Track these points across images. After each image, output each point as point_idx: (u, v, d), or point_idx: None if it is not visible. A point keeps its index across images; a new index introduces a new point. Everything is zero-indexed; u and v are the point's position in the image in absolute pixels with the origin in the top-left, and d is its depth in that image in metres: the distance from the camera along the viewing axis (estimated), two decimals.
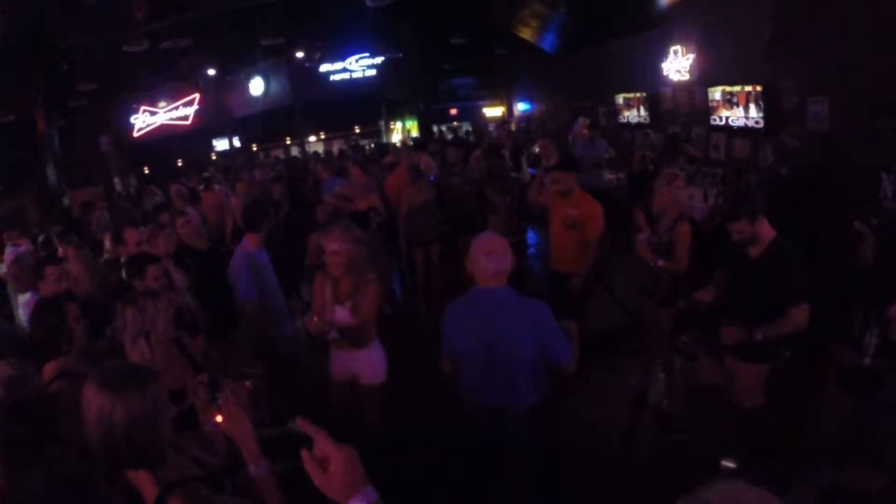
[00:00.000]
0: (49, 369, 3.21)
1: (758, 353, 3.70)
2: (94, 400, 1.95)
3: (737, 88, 8.37)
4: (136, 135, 17.13)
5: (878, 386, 2.64)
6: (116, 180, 16.09)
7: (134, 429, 1.92)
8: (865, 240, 4.72)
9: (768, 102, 7.85)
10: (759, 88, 7.95)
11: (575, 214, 5.37)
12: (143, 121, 17.22)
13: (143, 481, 1.96)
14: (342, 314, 4.00)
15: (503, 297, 3.12)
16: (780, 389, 4.01)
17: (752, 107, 8.10)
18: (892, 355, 2.65)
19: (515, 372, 3.09)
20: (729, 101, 8.56)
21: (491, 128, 20.42)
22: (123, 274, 4.95)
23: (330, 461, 1.35)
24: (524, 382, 3.13)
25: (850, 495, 2.35)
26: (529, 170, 12.00)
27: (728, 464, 4.02)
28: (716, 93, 8.88)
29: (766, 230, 3.66)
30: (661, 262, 4.65)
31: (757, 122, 8.08)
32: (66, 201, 12.45)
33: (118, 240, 5.53)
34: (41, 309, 3.38)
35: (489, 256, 3.06)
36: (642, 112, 11.82)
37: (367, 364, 4.16)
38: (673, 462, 4.31)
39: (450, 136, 19.31)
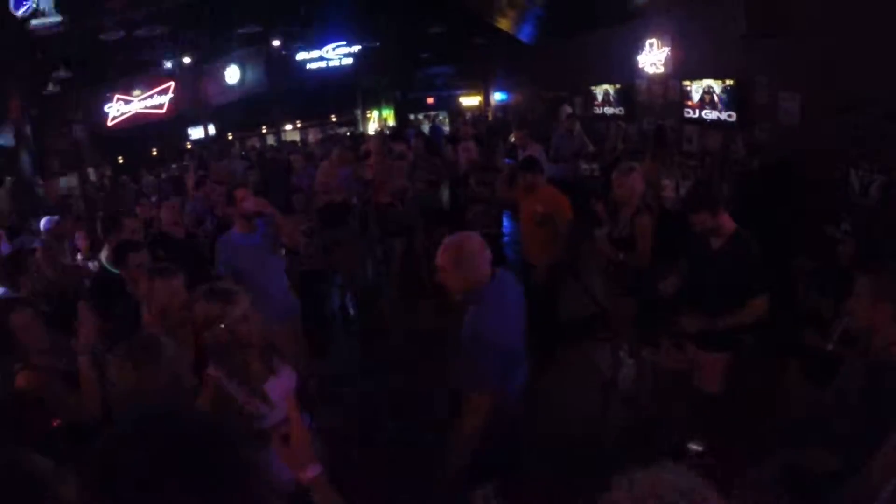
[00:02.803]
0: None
1: (718, 342, 3.86)
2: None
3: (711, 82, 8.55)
4: (110, 124, 16.90)
5: (836, 372, 2.82)
6: (90, 170, 15.90)
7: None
8: (842, 241, 4.92)
9: (740, 96, 8.03)
10: (731, 83, 8.14)
11: (541, 210, 5.49)
12: (118, 109, 16.98)
13: None
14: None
15: (511, 278, 3.18)
16: (745, 375, 4.20)
17: (724, 100, 8.29)
18: (852, 343, 2.82)
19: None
20: (707, 95, 8.73)
21: (468, 116, 20.52)
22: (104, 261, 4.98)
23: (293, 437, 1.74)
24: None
25: (806, 475, 2.52)
26: (506, 160, 12.06)
27: (694, 447, 4.19)
28: (693, 89, 9.04)
29: (726, 222, 3.82)
30: (621, 256, 4.80)
31: (729, 116, 8.26)
32: (39, 191, 12.31)
33: (109, 229, 5.51)
34: None
35: (483, 251, 2.98)
36: (617, 104, 11.96)
37: None
38: (641, 444, 4.46)
39: (425, 125, 19.46)
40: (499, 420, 2.90)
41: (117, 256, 4.54)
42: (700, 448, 4.20)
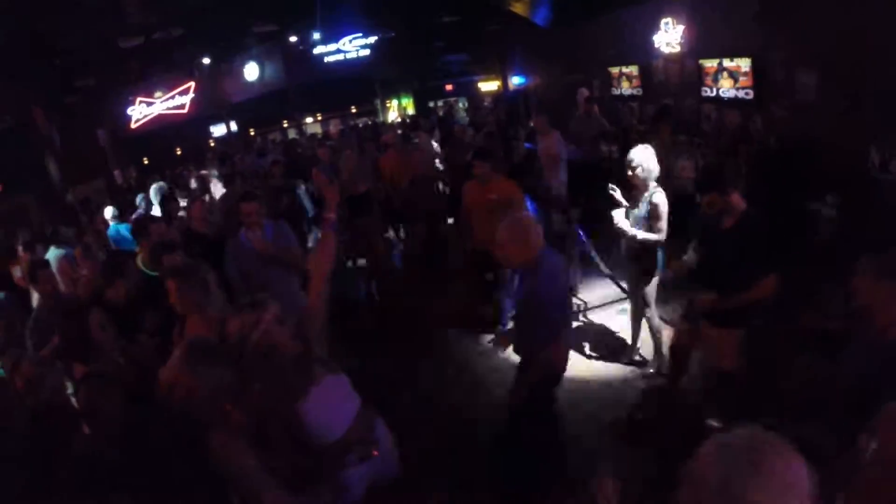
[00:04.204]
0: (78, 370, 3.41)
1: (731, 319, 3.90)
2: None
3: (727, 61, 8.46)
4: (133, 126, 17.18)
5: (840, 348, 2.84)
6: (117, 173, 16.20)
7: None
8: (823, 217, 4.90)
9: (758, 74, 7.94)
10: (748, 60, 8.04)
11: (494, 198, 5.62)
12: (140, 112, 17.26)
13: None
14: None
15: (555, 253, 3.67)
16: (756, 352, 4.22)
17: (742, 78, 8.20)
18: (853, 320, 2.84)
19: None
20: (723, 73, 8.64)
21: (486, 102, 20.45)
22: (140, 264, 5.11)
23: None
24: None
25: (807, 449, 2.56)
26: (526, 144, 11.98)
27: (712, 423, 4.23)
28: (709, 67, 8.94)
29: (737, 202, 3.84)
30: (640, 235, 4.83)
31: (747, 94, 8.16)
32: (69, 197, 12.58)
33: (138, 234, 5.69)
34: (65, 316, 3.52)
35: (538, 228, 3.53)
36: (635, 84, 11.85)
37: None
38: (660, 422, 4.51)
39: (441, 113, 19.44)
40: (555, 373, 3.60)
41: (153, 258, 4.70)
42: (718, 424, 4.23)
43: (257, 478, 2.24)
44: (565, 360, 3.67)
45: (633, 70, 11.83)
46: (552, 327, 3.43)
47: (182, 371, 2.34)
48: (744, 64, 8.15)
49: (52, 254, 7.06)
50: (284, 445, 2.45)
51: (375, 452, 2.74)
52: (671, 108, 9.71)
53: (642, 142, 7.48)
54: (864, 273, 2.68)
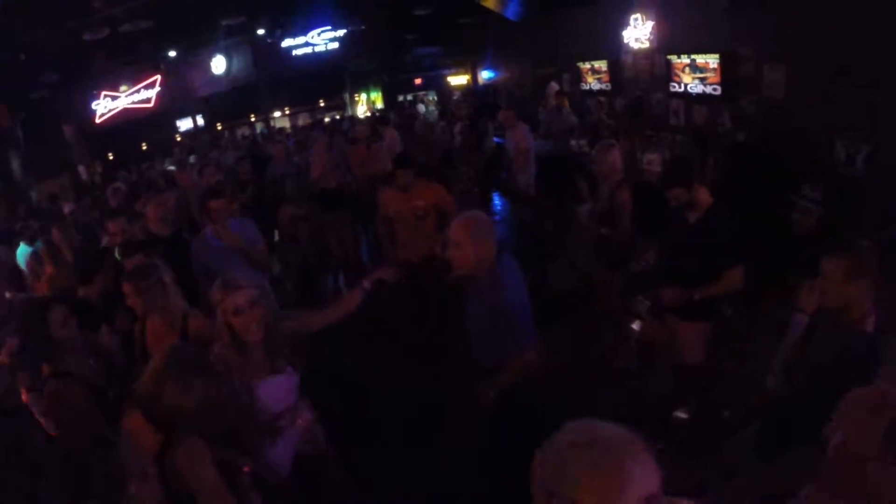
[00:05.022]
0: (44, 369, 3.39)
1: (696, 312, 3.98)
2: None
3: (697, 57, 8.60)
4: (98, 121, 16.87)
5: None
6: (82, 168, 15.89)
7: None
8: (804, 210, 5.01)
9: (726, 70, 8.09)
10: (717, 56, 8.19)
11: (422, 204, 5.40)
12: (105, 106, 16.95)
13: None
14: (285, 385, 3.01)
15: (513, 261, 3.28)
16: (726, 344, 4.32)
17: (710, 74, 8.35)
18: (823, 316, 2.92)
19: None
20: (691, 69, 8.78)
21: (455, 96, 20.49)
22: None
23: None
24: None
25: (777, 443, 2.66)
26: (495, 139, 12.05)
27: (679, 415, 4.33)
28: (677, 63, 9.08)
29: (703, 196, 3.91)
30: (604, 230, 4.91)
31: (715, 90, 8.31)
32: (33, 195, 12.33)
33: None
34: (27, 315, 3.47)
35: (493, 230, 3.18)
36: (604, 80, 11.97)
37: None
38: (627, 415, 4.57)
39: (421, 106, 19.48)
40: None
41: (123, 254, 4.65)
42: (685, 416, 4.34)
43: (220, 492, 2.24)
44: (541, 363, 3.32)
45: (601, 65, 11.95)
46: (525, 334, 3.15)
47: (166, 381, 2.30)
48: (712, 60, 8.29)
49: (21, 251, 6.96)
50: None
51: (301, 421, 2.88)
52: (644, 100, 9.86)
53: (613, 137, 7.63)
54: (831, 276, 2.73)
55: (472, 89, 19.62)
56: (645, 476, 1.26)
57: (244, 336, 2.82)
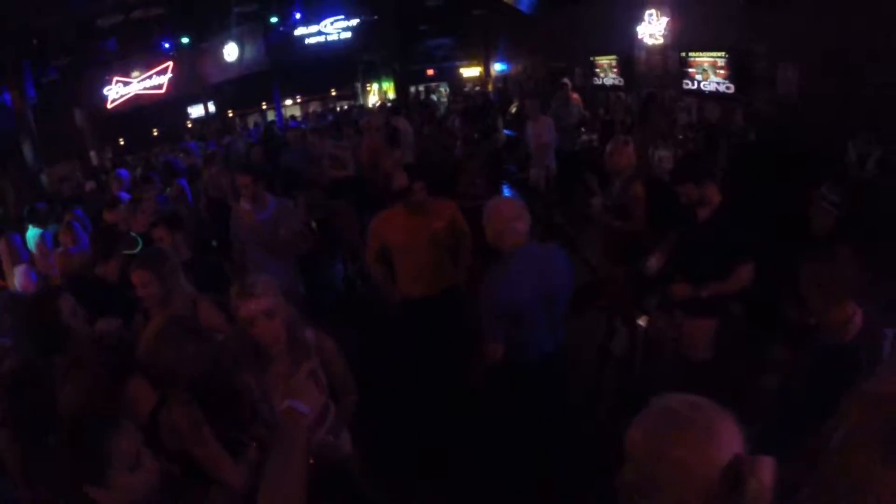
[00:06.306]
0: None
1: (704, 309, 3.95)
2: None
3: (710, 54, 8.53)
4: (109, 106, 16.86)
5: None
6: (93, 153, 15.93)
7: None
8: (820, 211, 4.94)
9: (740, 68, 8.02)
10: (730, 54, 8.11)
11: (443, 225, 4.52)
12: (117, 92, 16.93)
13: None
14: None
15: (548, 250, 3.55)
16: (733, 342, 4.29)
17: (723, 72, 8.28)
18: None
19: (560, 318, 3.58)
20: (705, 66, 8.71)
21: (467, 88, 20.40)
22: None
23: None
24: (562, 328, 3.59)
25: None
26: (506, 131, 11.98)
27: None
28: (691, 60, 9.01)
29: (712, 194, 3.88)
30: (616, 224, 4.88)
31: (728, 88, 8.24)
32: (43, 179, 12.37)
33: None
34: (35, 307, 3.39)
35: (519, 219, 3.34)
36: (616, 74, 11.90)
37: None
38: (633, 411, 4.54)
39: (433, 97, 19.40)
40: (519, 375, 3.47)
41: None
42: None
43: (214, 447, 2.30)
44: (497, 358, 3.37)
45: (613, 60, 11.86)
46: (491, 325, 3.32)
47: (160, 343, 2.41)
48: (726, 57, 8.21)
49: (31, 233, 6.97)
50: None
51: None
52: (656, 97, 9.79)
53: (626, 132, 7.56)
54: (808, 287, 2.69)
55: (466, 94, 19.34)
56: (731, 436, 1.41)
57: (263, 343, 2.60)
